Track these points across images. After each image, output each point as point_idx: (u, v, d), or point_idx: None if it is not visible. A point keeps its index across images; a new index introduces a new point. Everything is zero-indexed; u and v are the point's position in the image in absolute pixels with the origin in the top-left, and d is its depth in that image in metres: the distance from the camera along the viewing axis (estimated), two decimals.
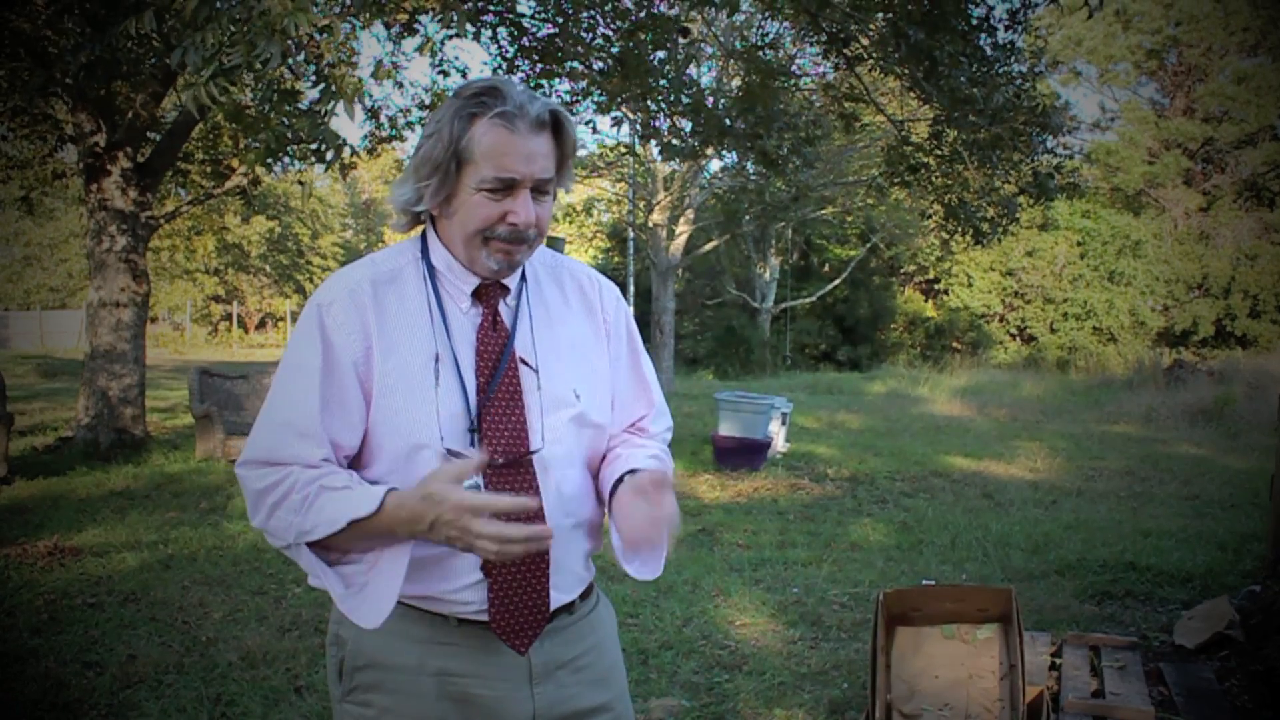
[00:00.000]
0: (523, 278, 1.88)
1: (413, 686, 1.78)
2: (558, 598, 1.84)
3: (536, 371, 1.83)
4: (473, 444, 1.75)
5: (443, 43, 11.41)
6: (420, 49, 10.94)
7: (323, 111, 6.40)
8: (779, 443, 11.79)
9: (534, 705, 1.82)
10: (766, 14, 14.24)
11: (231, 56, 5.21)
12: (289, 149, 9.36)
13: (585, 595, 1.94)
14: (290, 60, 5.30)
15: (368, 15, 6.78)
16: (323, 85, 6.36)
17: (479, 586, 1.76)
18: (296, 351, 1.76)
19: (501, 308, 1.84)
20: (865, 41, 9.92)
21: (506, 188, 1.72)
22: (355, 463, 1.79)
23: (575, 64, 10.77)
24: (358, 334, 1.74)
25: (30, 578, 6.23)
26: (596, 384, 1.92)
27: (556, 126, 1.76)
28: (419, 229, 1.89)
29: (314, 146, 6.84)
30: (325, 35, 6.27)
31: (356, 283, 1.78)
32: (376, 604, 1.69)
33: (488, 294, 1.83)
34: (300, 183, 13.63)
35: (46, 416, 14.16)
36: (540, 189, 1.75)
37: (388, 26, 9.64)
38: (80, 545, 7.04)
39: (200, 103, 5.44)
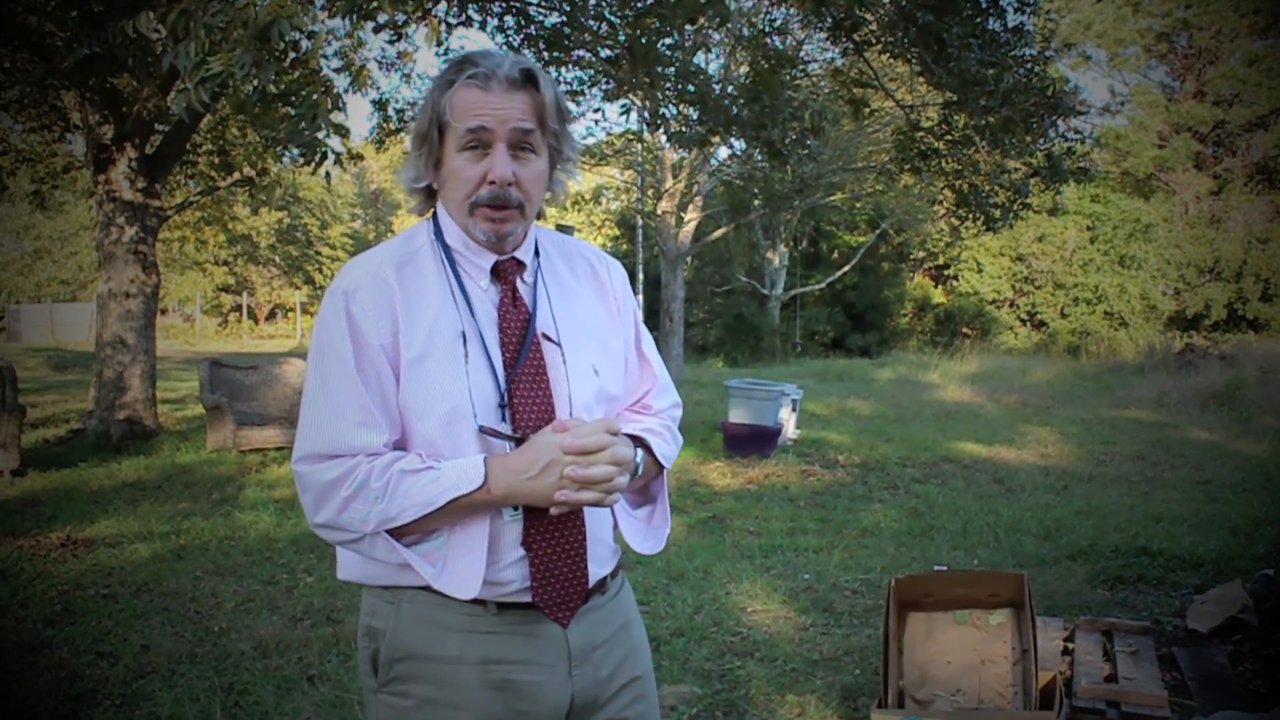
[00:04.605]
0: (536, 254, 1.89)
1: (454, 676, 1.77)
2: (595, 570, 1.84)
3: (560, 346, 1.83)
4: (504, 419, 1.75)
5: (448, 34, 11.40)
6: (393, 43, 11.00)
7: (308, 116, 6.39)
8: (789, 430, 11.77)
9: (573, 688, 1.82)
10: (773, 1, 14.21)
11: (212, 65, 5.21)
12: (283, 148, 9.37)
13: (614, 574, 1.95)
14: (266, 71, 5.28)
15: (353, 17, 6.79)
16: (303, 93, 6.37)
17: (519, 564, 1.76)
18: (328, 341, 1.75)
19: (520, 284, 1.85)
20: (873, 25, 9.89)
21: (483, 144, 1.73)
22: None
23: (583, 52, 10.76)
24: (385, 318, 1.74)
25: (43, 569, 6.25)
26: (613, 360, 1.93)
27: (531, 83, 1.75)
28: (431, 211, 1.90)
29: (297, 151, 6.87)
30: (309, 42, 6.26)
31: (379, 265, 1.79)
32: (467, 572, 1.73)
33: (505, 271, 1.83)
34: (279, 183, 13.68)
35: (58, 409, 14.20)
36: (520, 146, 1.75)
37: (376, 30, 9.66)
38: (92, 536, 7.07)
39: (192, 107, 5.46)
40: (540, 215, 1.91)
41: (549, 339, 1.83)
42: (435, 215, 1.87)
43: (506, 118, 1.73)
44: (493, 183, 1.74)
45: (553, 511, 1.70)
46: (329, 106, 6.31)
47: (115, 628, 5.20)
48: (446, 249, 1.82)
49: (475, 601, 1.75)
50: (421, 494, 1.67)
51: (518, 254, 1.84)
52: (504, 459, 1.70)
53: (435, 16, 6.42)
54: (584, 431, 1.67)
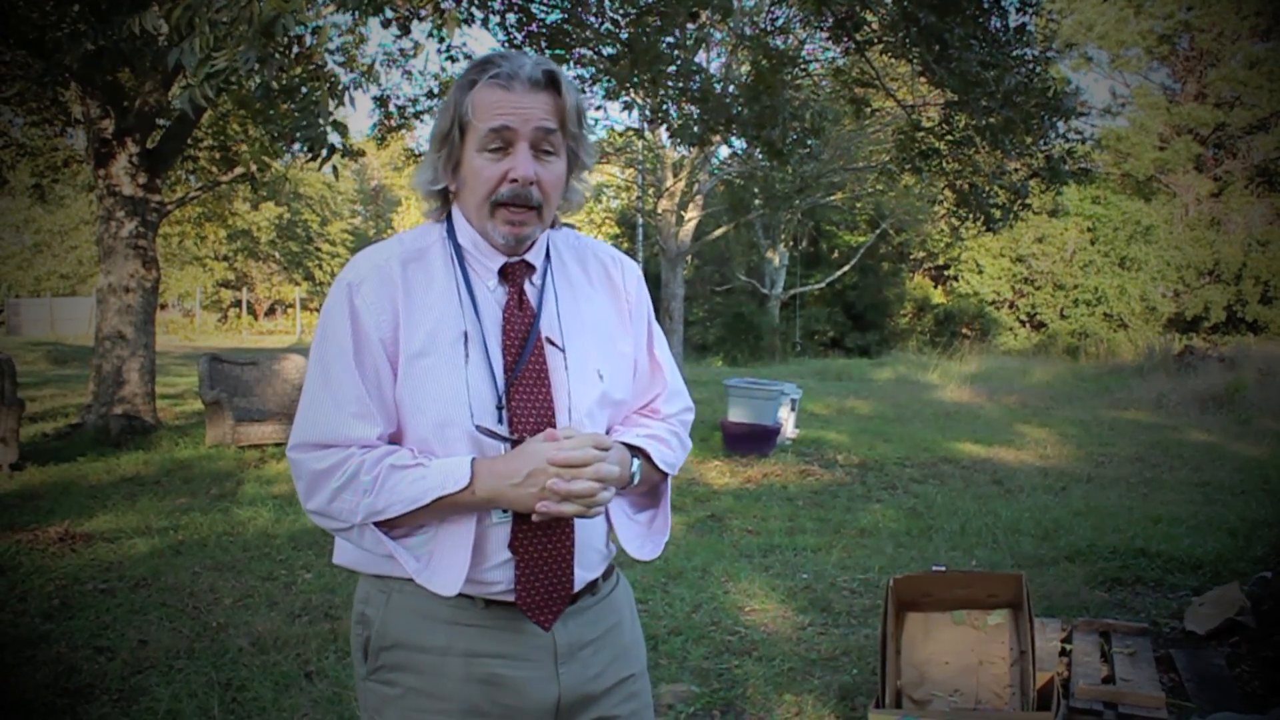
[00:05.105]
0: (547, 257, 1.89)
1: (440, 667, 1.79)
2: (582, 575, 1.84)
3: (563, 351, 1.83)
4: (500, 421, 1.76)
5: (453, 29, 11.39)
6: (399, 38, 11.00)
7: (312, 111, 6.41)
8: (788, 429, 11.78)
9: (559, 685, 1.83)
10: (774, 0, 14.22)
11: (217, 62, 5.22)
12: (287, 144, 9.38)
13: (606, 575, 1.95)
14: (270, 67, 5.29)
15: (361, 12, 6.80)
16: (306, 88, 6.38)
17: (506, 566, 1.77)
18: (330, 332, 1.77)
19: (527, 286, 1.85)
20: (875, 25, 9.89)
21: (505, 144, 1.74)
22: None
23: (584, 50, 10.75)
24: (387, 312, 1.76)
25: (42, 563, 6.25)
26: (620, 364, 1.93)
27: (553, 85, 1.75)
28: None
29: (307, 145, 6.89)
30: (314, 37, 6.27)
31: (384, 260, 1.80)
32: (450, 570, 1.74)
33: (514, 273, 1.83)
34: (286, 177, 13.76)
35: (57, 403, 14.20)
36: (541, 147, 1.76)
37: (385, 25, 9.66)
38: (91, 531, 7.07)
39: (196, 103, 5.46)
40: (554, 223, 1.91)
41: (552, 343, 1.83)
42: (449, 214, 1.87)
43: (529, 117, 1.73)
44: (514, 180, 1.74)
45: (534, 519, 1.71)
46: (329, 105, 6.32)
47: (113, 623, 5.20)
48: (458, 248, 1.83)
49: (463, 595, 1.76)
50: (408, 490, 1.69)
51: (528, 257, 1.84)
52: (491, 463, 1.70)
53: (447, 10, 6.43)
54: (571, 445, 1.68)
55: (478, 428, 1.73)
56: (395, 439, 1.79)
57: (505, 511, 1.74)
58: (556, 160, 1.78)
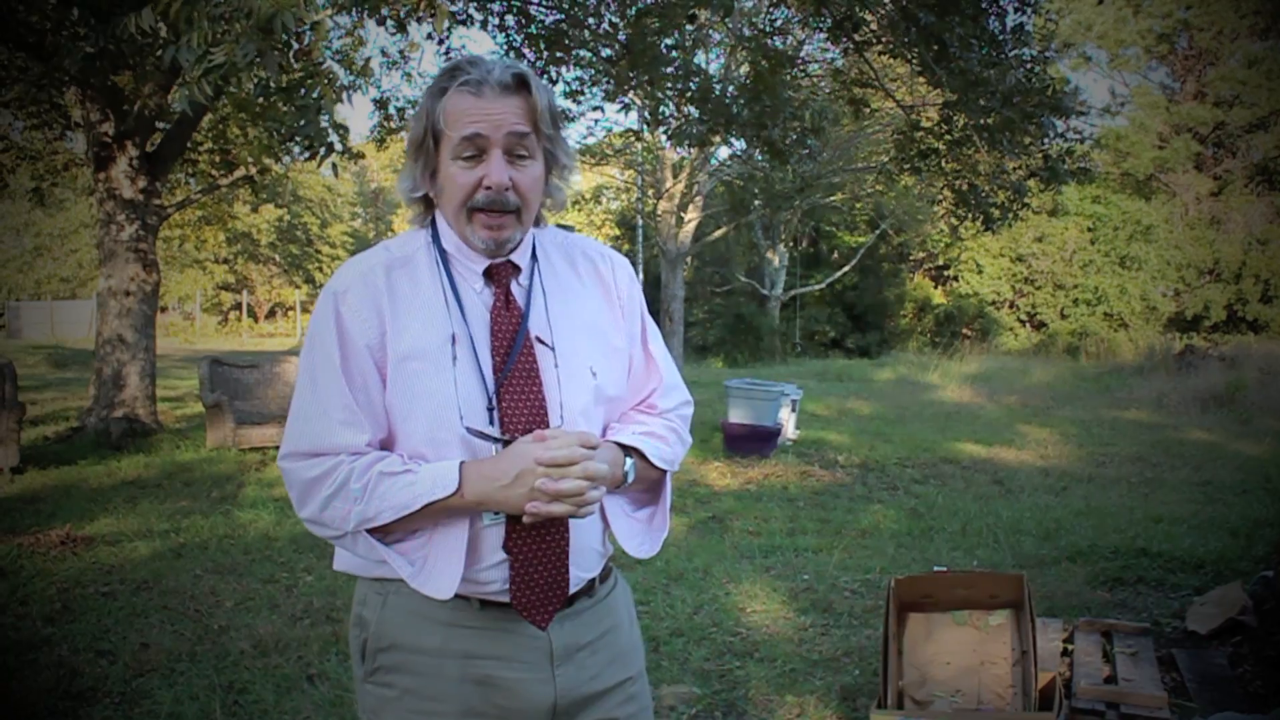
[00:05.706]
0: (534, 256, 1.89)
1: (436, 669, 1.79)
2: (577, 575, 1.84)
3: (553, 349, 1.83)
4: (491, 422, 1.75)
5: (450, 30, 11.40)
6: (395, 35, 10.97)
7: (312, 109, 6.42)
8: (789, 430, 11.77)
9: (555, 687, 1.82)
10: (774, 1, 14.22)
11: (215, 57, 5.22)
12: (287, 144, 9.39)
13: (604, 578, 1.95)
14: (271, 60, 5.28)
15: (359, 11, 6.80)
16: (306, 85, 6.38)
17: (501, 566, 1.77)
18: (317, 340, 1.78)
19: (514, 287, 1.85)
20: (873, 25, 9.90)
21: (479, 151, 1.74)
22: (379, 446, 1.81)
23: (583, 51, 10.76)
24: (372, 318, 1.76)
25: (43, 566, 6.25)
26: (613, 360, 1.92)
27: (524, 88, 1.75)
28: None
29: (306, 144, 6.89)
30: (312, 33, 6.26)
31: (370, 268, 1.80)
32: (444, 574, 1.74)
33: (499, 274, 1.83)
34: (287, 177, 13.77)
35: (58, 406, 14.19)
36: (515, 151, 1.75)
37: (380, 23, 9.66)
38: (92, 534, 7.07)
39: (195, 101, 5.46)
40: (539, 221, 1.91)
41: (542, 342, 1.82)
42: (433, 220, 1.87)
43: (501, 123, 1.72)
44: (489, 188, 1.74)
45: (525, 520, 1.70)
46: (330, 98, 6.33)
47: (115, 626, 5.20)
48: (442, 252, 1.83)
49: (460, 596, 1.76)
50: (398, 497, 1.69)
51: (513, 257, 1.84)
52: (479, 465, 1.70)
53: (439, 4, 6.43)
54: (557, 444, 1.67)
55: (468, 429, 1.73)
56: (387, 444, 1.79)
57: (496, 513, 1.74)
58: (532, 163, 1.78)
